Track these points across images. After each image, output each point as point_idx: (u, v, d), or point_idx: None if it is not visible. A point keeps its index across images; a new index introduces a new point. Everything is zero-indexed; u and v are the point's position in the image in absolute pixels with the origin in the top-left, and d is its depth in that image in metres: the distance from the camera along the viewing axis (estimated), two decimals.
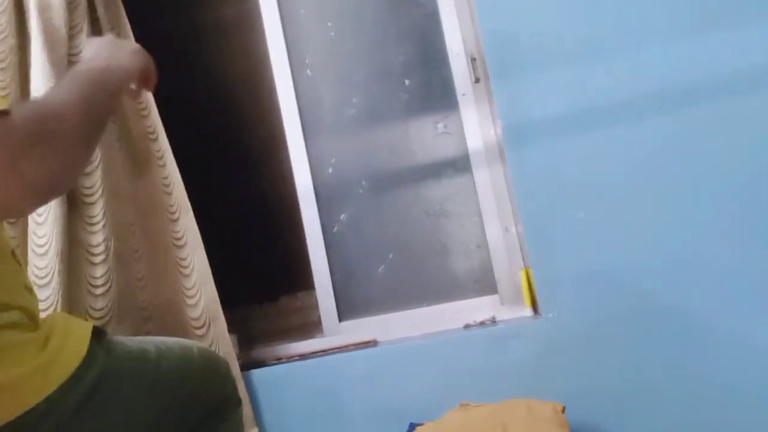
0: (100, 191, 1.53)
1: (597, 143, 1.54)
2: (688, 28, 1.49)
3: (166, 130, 1.67)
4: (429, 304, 1.73)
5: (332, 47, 1.86)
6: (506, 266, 1.70)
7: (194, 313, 1.61)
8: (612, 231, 1.53)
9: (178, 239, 1.66)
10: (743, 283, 1.44)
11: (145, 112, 1.73)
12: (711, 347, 1.44)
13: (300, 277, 1.86)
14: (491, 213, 1.73)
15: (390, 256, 1.79)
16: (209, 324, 1.61)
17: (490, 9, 1.63)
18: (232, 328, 1.67)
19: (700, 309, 1.45)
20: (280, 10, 1.88)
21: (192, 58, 2.10)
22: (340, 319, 1.76)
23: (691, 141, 1.48)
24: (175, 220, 1.66)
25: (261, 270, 2.05)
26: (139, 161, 1.75)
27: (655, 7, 1.52)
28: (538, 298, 1.55)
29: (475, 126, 1.76)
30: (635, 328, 1.48)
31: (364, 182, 1.82)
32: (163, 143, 1.70)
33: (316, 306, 1.78)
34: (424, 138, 1.81)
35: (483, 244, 1.74)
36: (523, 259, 1.68)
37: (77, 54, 1.67)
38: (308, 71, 1.87)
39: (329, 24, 1.86)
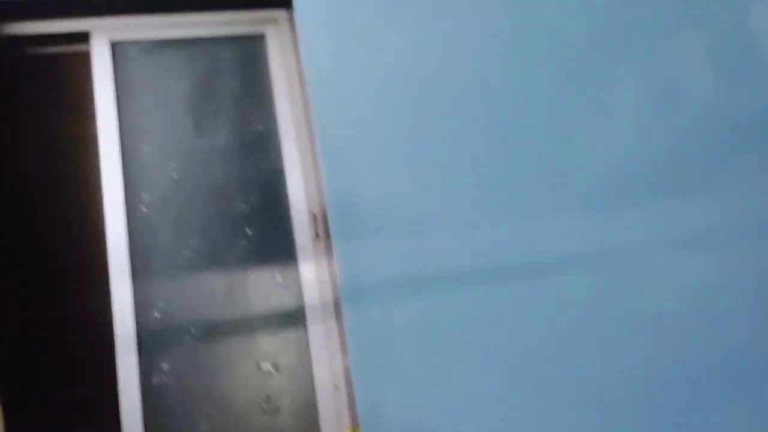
0: None
1: (430, 308, 1.66)
2: (513, 215, 1.72)
3: None
4: None
5: (173, 188, 1.83)
6: (334, 426, 1.69)
7: None
8: (440, 392, 1.61)
9: None
10: None
11: None
12: None
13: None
14: (323, 370, 1.73)
15: (213, 412, 1.69)
16: None
17: (336, 172, 1.74)
18: None
19: None
20: (121, 144, 1.82)
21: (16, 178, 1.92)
22: None
23: (513, 313, 1.66)
24: None
25: (60, 414, 1.80)
26: None
27: (484, 193, 1.74)
28: None
29: (313, 281, 1.80)
30: None
31: (193, 330, 1.74)
32: None
33: None
34: (261, 288, 1.80)
35: (312, 403, 1.72)
36: (351, 420, 1.68)
37: None
38: (144, 208, 1.81)
39: (172, 165, 1.84)
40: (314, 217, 1.84)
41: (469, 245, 1.77)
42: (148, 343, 1.70)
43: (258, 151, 1.88)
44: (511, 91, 1.89)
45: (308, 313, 1.78)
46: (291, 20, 1.92)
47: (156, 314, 1.73)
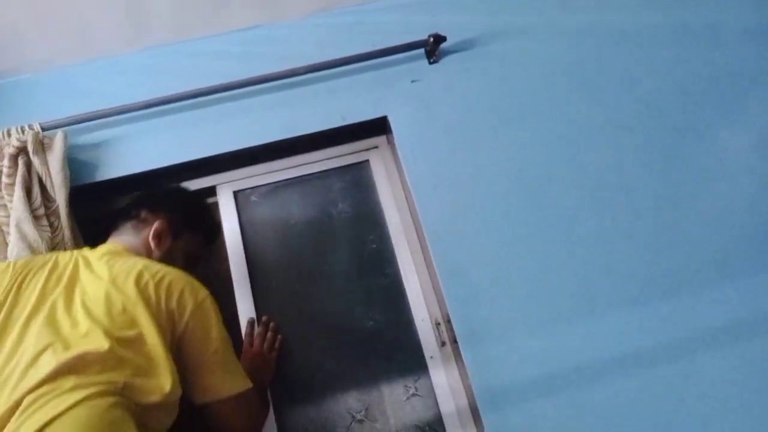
0: None
1: (569, 404, 1.62)
2: (647, 295, 1.69)
3: None
4: None
5: (303, 318, 1.94)
6: None
7: None
8: None
9: None
10: None
11: None
12: None
13: None
14: None
15: None
16: None
17: (453, 279, 1.79)
18: None
19: None
20: (252, 283, 1.98)
21: None
22: None
23: (656, 404, 1.59)
24: None
25: None
26: None
27: (611, 277, 1.74)
28: None
29: (446, 388, 1.80)
30: None
31: None
32: None
33: None
34: (397, 401, 1.83)
35: None
36: None
37: None
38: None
39: (299, 296, 1.96)
40: (437, 324, 1.88)
41: (597, 335, 1.73)
42: None
43: (376, 268, 1.98)
44: (616, 174, 1.89)
45: (446, 421, 1.77)
46: (390, 143, 2.07)
47: None
